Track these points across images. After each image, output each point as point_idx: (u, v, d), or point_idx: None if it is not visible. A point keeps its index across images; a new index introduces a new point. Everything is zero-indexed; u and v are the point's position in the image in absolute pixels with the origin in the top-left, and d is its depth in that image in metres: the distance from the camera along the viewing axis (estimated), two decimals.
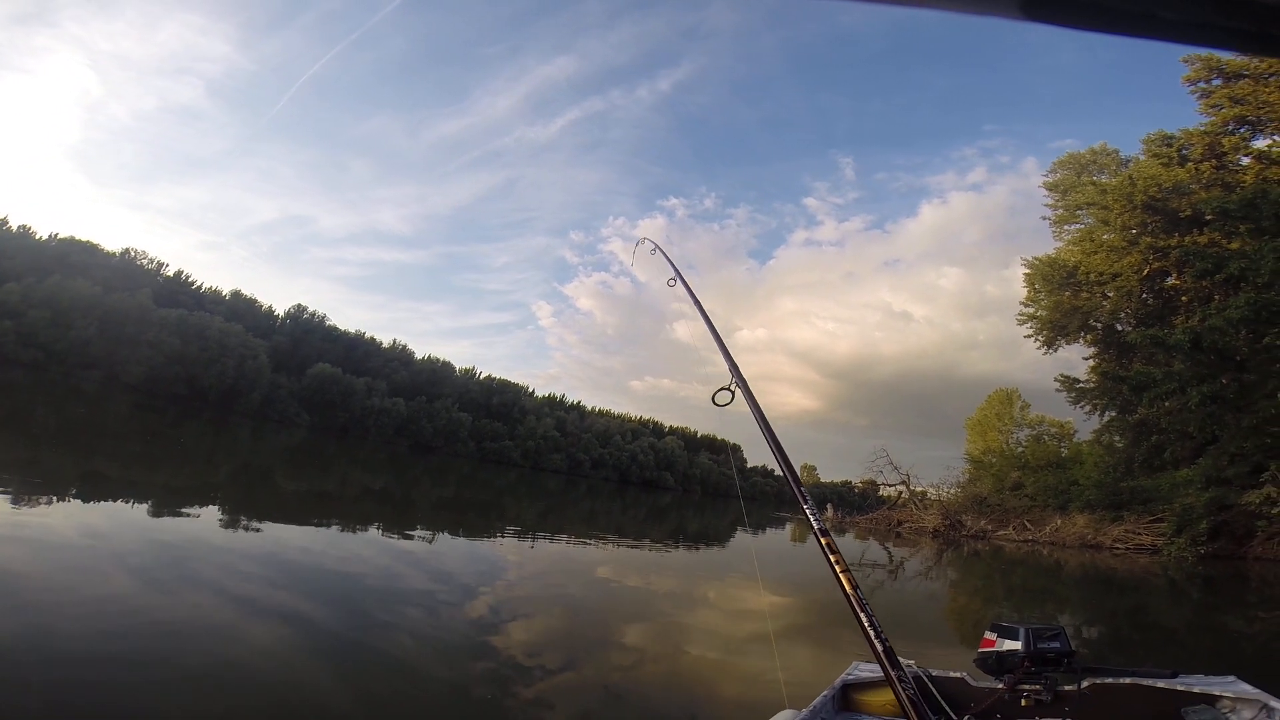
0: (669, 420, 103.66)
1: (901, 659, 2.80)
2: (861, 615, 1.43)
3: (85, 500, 7.11)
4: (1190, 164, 26.37)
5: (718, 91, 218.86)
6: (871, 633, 1.41)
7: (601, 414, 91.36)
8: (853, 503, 61.26)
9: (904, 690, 1.27)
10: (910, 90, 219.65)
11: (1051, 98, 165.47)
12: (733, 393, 2.19)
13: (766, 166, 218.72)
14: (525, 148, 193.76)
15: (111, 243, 54.17)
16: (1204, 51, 21.45)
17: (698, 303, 2.78)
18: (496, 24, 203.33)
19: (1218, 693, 2.52)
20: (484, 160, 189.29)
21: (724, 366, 2.32)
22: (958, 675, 2.80)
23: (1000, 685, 2.64)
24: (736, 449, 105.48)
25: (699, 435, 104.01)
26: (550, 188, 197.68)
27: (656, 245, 3.37)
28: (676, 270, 3.02)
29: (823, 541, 1.61)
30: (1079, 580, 14.44)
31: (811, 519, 1.67)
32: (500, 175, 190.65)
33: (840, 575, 1.51)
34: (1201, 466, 20.48)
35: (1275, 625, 9.03)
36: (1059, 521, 24.31)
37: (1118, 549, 21.22)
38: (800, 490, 1.79)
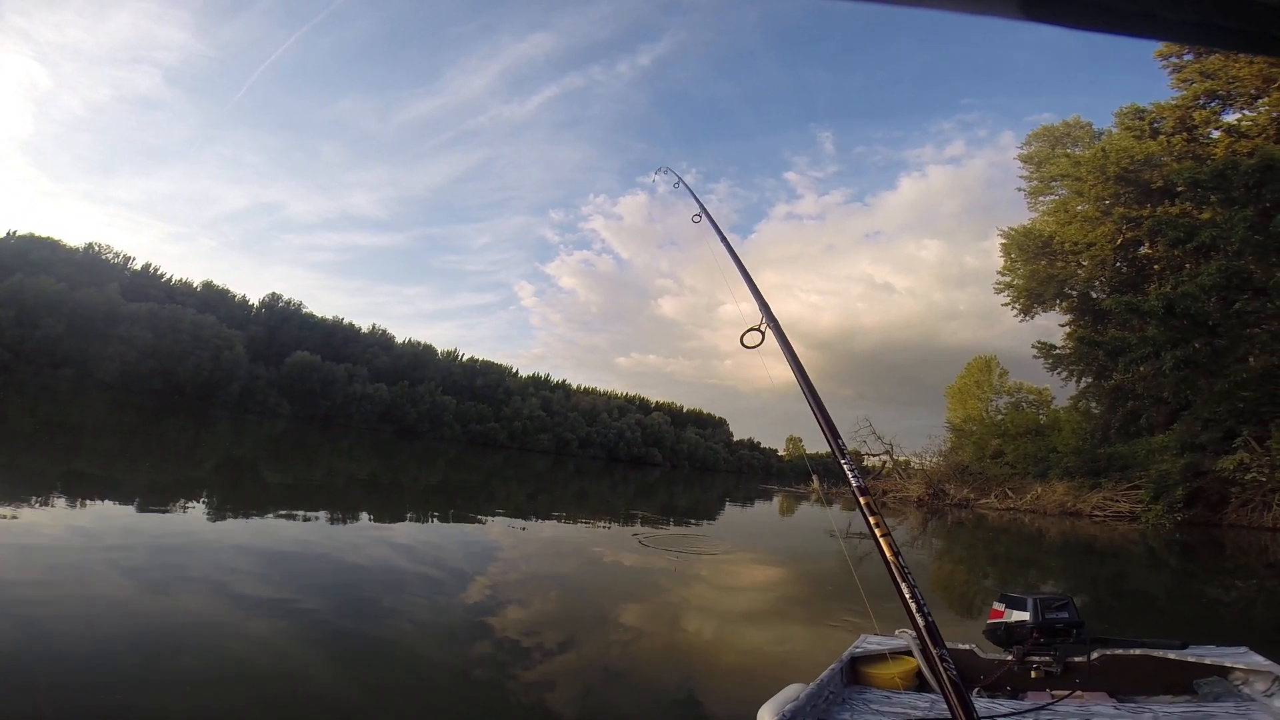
0: (655, 396, 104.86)
1: (909, 631, 2.84)
2: (903, 585, 1.32)
3: (70, 502, 6.97)
4: (1162, 137, 26.90)
5: (699, 66, 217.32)
6: (914, 605, 1.29)
7: (587, 392, 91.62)
8: (838, 474, 62.15)
9: (945, 670, 1.16)
10: (891, 63, 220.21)
11: (1029, 71, 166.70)
12: (763, 333, 2.06)
13: (747, 141, 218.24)
14: (502, 127, 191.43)
15: (74, 238, 52.73)
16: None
17: (723, 237, 2.68)
18: (467, 1, 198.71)
19: (1229, 664, 2.52)
20: (459, 140, 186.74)
21: (739, 315, 2.20)
22: (966, 647, 2.80)
23: (1009, 657, 2.66)
24: (723, 423, 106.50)
25: (685, 410, 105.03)
26: (529, 166, 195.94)
27: (681, 179, 3.29)
28: (703, 207, 2.94)
29: (862, 501, 1.47)
30: (1060, 548, 14.77)
31: (850, 475, 1.53)
32: (477, 155, 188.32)
33: (881, 540, 1.38)
34: (1176, 432, 21.05)
35: (1251, 592, 9.29)
36: (1039, 489, 24.86)
37: (1097, 516, 21.73)
38: (839, 443, 1.64)
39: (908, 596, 1.31)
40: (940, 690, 1.16)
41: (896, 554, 1.37)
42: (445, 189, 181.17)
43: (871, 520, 1.44)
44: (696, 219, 2.93)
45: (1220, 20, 0.41)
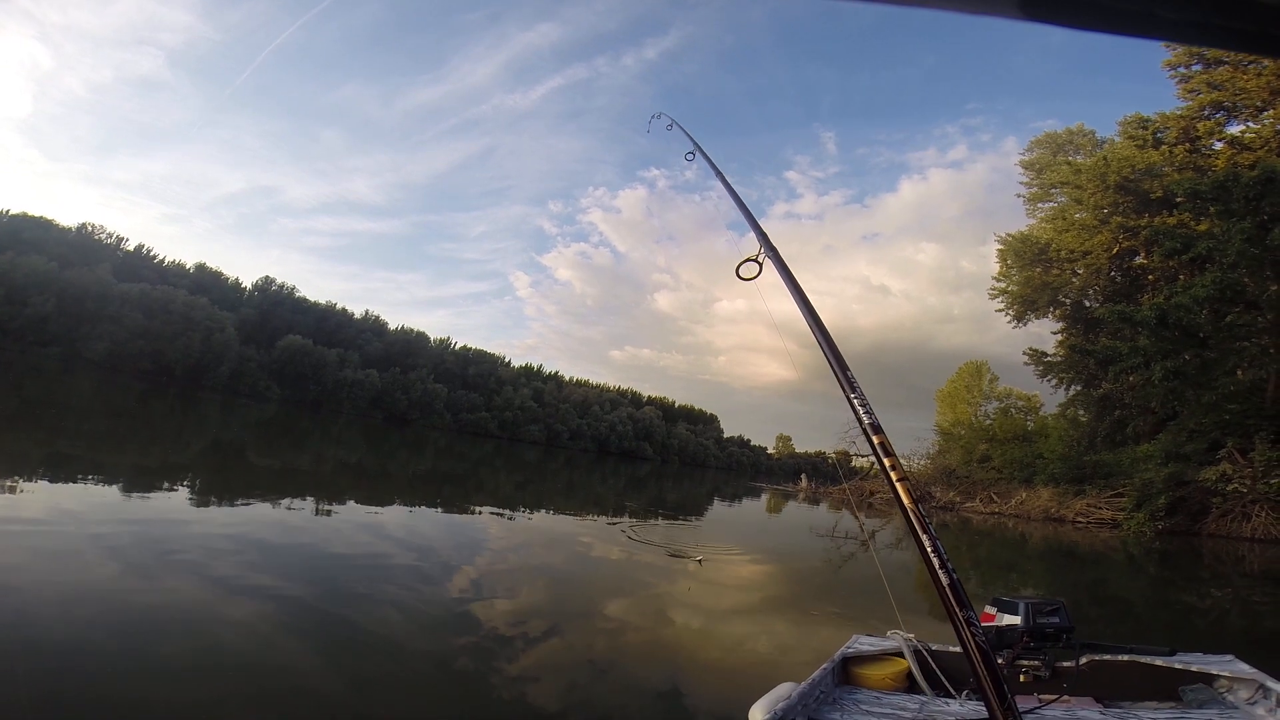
0: (648, 390, 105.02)
1: (900, 633, 2.85)
2: (924, 537, 1.16)
3: (53, 483, 6.90)
4: (1165, 147, 26.97)
5: (704, 61, 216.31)
6: (936, 561, 1.13)
7: (580, 384, 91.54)
8: (826, 474, 62.37)
9: (972, 635, 1.03)
10: (898, 65, 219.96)
11: (1035, 77, 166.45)
12: (760, 265, 1.93)
13: (750, 138, 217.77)
14: (505, 116, 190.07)
15: (68, 218, 52.11)
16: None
17: (719, 172, 2.64)
18: None
19: (1215, 671, 2.54)
20: (461, 128, 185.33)
21: (737, 249, 2.01)
22: (957, 650, 2.80)
23: (999, 661, 2.65)
24: (714, 419, 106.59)
25: (677, 405, 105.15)
26: (530, 156, 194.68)
27: (674, 121, 3.24)
28: (696, 144, 2.89)
29: (875, 440, 1.33)
30: (1042, 553, 14.92)
31: (861, 412, 1.39)
32: (478, 144, 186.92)
33: (898, 485, 1.24)
34: (1161, 442, 21.20)
35: (1226, 601, 9.38)
36: (1024, 494, 25.07)
37: (1079, 523, 21.93)
38: (847, 376, 1.49)
39: (929, 550, 1.16)
40: (966, 655, 1.05)
41: (915, 501, 1.22)
42: (445, 177, 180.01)
43: (887, 462, 1.30)
44: (690, 157, 2.90)
45: (1220, 20, 0.41)
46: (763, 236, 1.99)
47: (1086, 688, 2.60)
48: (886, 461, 1.30)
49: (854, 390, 1.45)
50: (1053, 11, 0.45)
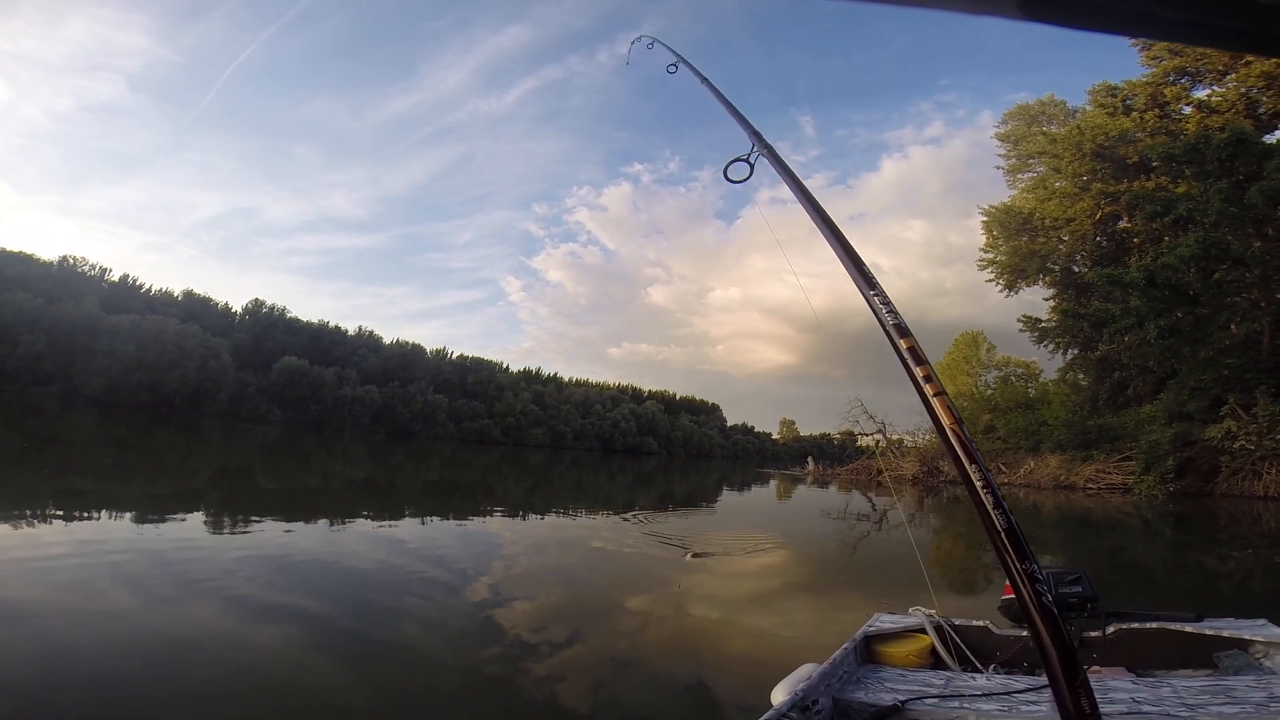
0: (648, 385, 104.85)
1: (922, 609, 2.88)
2: (970, 466, 0.94)
3: (68, 518, 6.91)
4: (1135, 113, 27.32)
5: (679, 52, 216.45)
6: (989, 500, 0.91)
7: (580, 384, 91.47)
8: (833, 455, 62.45)
9: (1037, 596, 0.84)
10: (869, 46, 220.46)
11: (1004, 52, 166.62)
12: (751, 165, 1.77)
13: (730, 128, 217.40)
14: (480, 121, 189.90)
15: (47, 251, 51.79)
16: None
17: (704, 78, 2.60)
18: None
19: (1248, 637, 2.47)
20: (437, 137, 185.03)
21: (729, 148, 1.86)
22: (981, 624, 2.81)
23: (1024, 633, 2.58)
24: (716, 409, 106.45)
25: (678, 398, 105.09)
26: (509, 160, 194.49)
27: (655, 39, 3.18)
28: (678, 55, 2.83)
29: (902, 345, 1.10)
30: (1056, 522, 14.90)
31: (884, 311, 1.17)
32: (456, 151, 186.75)
33: (933, 399, 1.01)
34: (1164, 402, 21.32)
35: (1248, 563, 9.30)
36: (1032, 463, 25.15)
37: (1090, 489, 21.98)
38: (862, 270, 1.27)
39: (980, 485, 0.93)
40: (1025, 616, 0.88)
41: (958, 421, 1.00)
42: (425, 186, 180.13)
43: (919, 372, 1.06)
44: (672, 69, 2.86)
45: (1220, 20, 0.41)
46: (754, 134, 1.84)
47: (1117, 658, 2.55)
48: (919, 371, 1.06)
49: (873, 287, 1.23)
50: (1053, 11, 0.46)
